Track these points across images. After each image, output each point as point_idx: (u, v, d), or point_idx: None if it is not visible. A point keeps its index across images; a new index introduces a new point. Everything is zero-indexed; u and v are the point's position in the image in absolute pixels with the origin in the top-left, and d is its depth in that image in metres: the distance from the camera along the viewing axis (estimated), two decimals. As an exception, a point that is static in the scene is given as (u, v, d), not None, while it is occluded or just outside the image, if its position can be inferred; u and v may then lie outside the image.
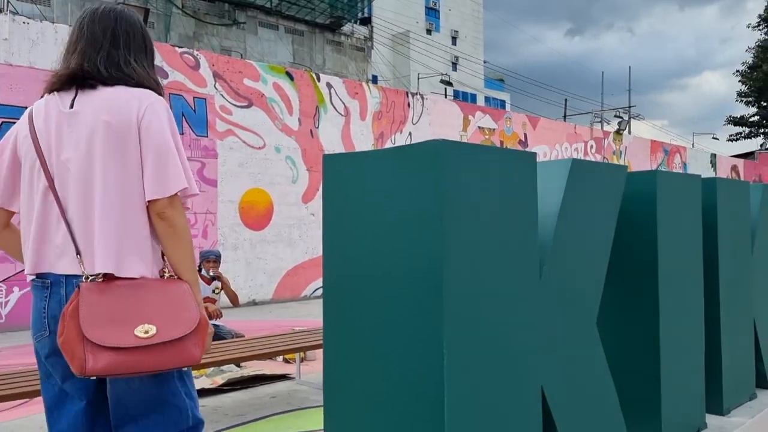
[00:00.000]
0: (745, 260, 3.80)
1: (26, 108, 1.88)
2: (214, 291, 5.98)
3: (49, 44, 8.35)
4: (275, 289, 10.41)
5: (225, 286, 6.03)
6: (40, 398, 1.92)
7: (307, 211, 10.87)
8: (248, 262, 9.91)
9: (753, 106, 37.51)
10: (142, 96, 1.78)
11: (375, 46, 38.14)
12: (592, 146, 17.87)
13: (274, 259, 10.32)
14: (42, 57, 8.28)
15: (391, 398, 2.08)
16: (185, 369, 1.80)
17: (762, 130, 37.47)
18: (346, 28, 30.78)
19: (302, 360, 5.53)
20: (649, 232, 2.95)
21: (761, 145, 36.21)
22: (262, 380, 5.12)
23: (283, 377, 5.23)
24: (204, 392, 4.81)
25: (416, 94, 13.46)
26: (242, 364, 5.52)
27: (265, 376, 5.18)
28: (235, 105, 10.20)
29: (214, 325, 5.85)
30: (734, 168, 24.24)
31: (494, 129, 14.68)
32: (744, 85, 36.86)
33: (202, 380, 5.03)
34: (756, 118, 37.53)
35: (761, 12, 37.19)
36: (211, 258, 5.99)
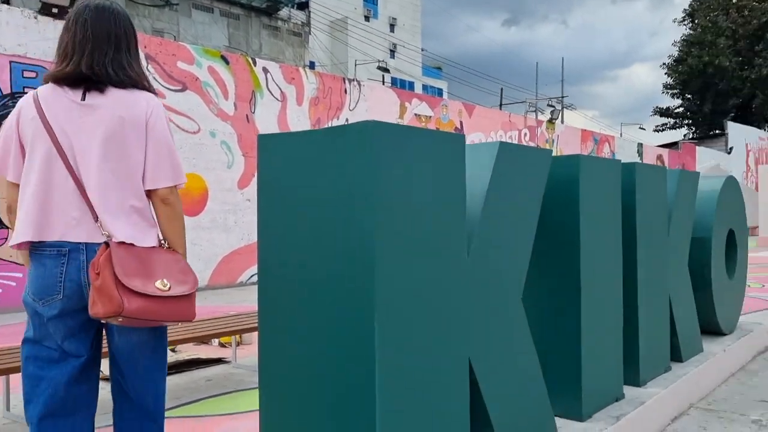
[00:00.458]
0: (662, 241, 4.02)
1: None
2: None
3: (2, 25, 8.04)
4: (211, 276, 10.28)
5: None
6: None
7: (243, 196, 10.77)
8: (183, 248, 9.78)
9: (678, 98, 39.07)
10: (149, 98, 2.07)
11: (313, 32, 37.79)
12: (525, 134, 18.30)
13: (209, 246, 10.19)
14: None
15: (325, 374, 2.14)
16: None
17: (686, 121, 39.08)
18: (284, 12, 30.42)
19: (238, 344, 5.53)
20: (572, 213, 3.10)
21: (684, 136, 37.78)
22: (198, 364, 5.11)
23: (218, 361, 5.22)
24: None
25: (353, 80, 13.47)
26: (177, 348, 5.49)
27: (200, 360, 5.17)
28: (169, 88, 9.99)
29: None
30: (659, 157, 25.21)
31: (431, 116, 14.85)
32: (670, 78, 38.32)
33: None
34: (681, 109, 39.11)
35: (686, 7, 38.71)
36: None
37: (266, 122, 11.31)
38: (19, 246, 1.98)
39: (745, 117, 35.21)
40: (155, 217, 2.09)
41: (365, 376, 2.01)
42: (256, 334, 5.46)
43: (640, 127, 31.86)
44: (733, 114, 35.68)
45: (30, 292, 1.97)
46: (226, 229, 10.40)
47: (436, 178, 2.24)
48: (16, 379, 4.19)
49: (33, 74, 8.44)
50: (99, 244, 1.94)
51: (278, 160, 2.27)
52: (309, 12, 34.77)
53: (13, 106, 8.11)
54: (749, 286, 7.85)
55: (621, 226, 3.50)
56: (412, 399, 2.13)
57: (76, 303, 1.96)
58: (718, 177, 5.29)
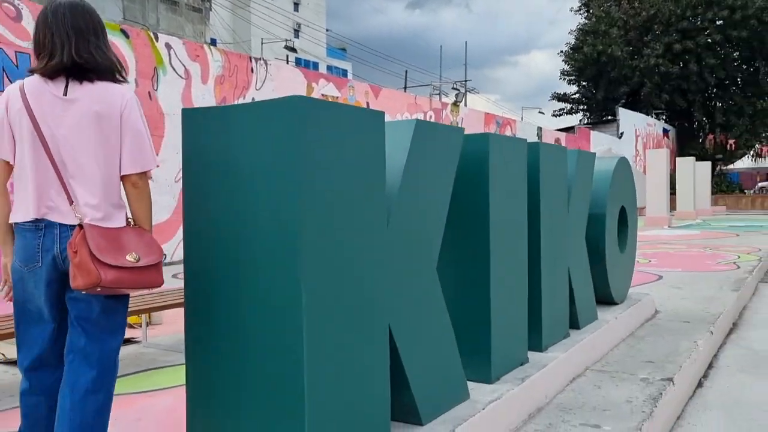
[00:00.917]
0: (562, 216, 4.29)
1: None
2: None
3: None
4: (113, 258, 10.00)
5: None
6: None
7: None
8: (83, 230, 9.41)
9: (574, 84, 40.77)
10: (125, 92, 2.30)
11: (213, 8, 36.75)
12: (431, 117, 18.65)
13: (111, 227, 9.88)
14: None
15: (254, 345, 2.20)
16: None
17: (581, 107, 40.90)
18: (184, -14, 29.39)
19: (148, 324, 5.44)
20: (482, 188, 3.27)
21: (580, 121, 39.58)
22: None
23: (128, 341, 5.12)
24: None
25: (260, 59, 13.30)
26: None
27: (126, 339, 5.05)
28: (66, 62, 9.55)
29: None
30: (557, 141, 26.35)
31: (337, 97, 14.89)
32: (567, 65, 39.89)
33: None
34: (577, 95, 40.85)
35: (582, -3, 40.37)
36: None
37: (170, 100, 11.01)
38: (15, 223, 2.26)
39: (635, 104, 37.25)
40: (126, 198, 2.34)
41: (293, 343, 2.09)
42: (165, 313, 5.41)
43: (539, 111, 33.28)
44: (623, 101, 37.66)
45: (17, 260, 2.25)
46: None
47: (359, 153, 2.33)
48: None
49: None
50: (72, 225, 2.20)
51: (203, 134, 2.29)
52: (211, -13, 33.74)
53: None
54: (638, 261, 8.45)
55: (526, 202, 3.72)
56: (338, 363, 2.22)
57: (51, 272, 2.23)
58: (611, 158, 5.67)
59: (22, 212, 2.23)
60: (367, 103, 15.92)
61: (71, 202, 2.20)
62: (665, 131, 37.36)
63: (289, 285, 2.09)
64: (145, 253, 2.24)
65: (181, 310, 3.87)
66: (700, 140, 39.31)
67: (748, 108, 36.44)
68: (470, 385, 3.14)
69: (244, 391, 2.22)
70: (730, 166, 38.66)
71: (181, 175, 2.59)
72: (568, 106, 41.23)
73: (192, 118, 2.33)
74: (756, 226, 18.92)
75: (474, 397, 3.06)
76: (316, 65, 45.74)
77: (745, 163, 38.74)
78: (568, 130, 30.93)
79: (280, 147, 2.10)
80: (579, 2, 41.22)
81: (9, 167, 2.27)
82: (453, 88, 26.12)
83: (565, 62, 39.93)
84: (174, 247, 10.22)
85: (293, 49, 27.29)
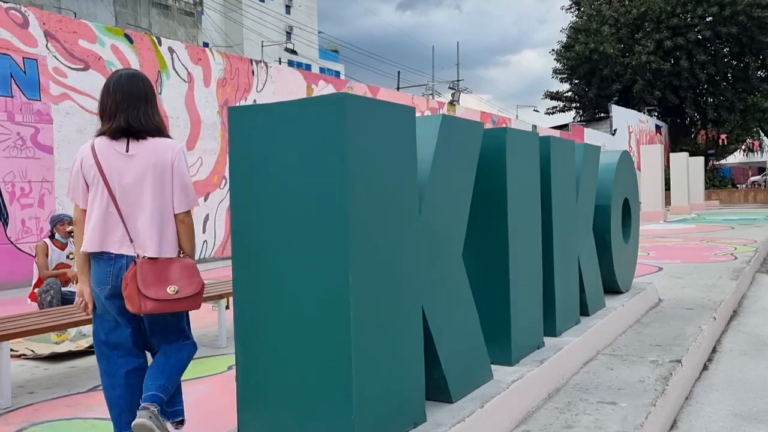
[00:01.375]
0: (572, 207, 4.46)
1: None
2: (68, 257, 5.82)
3: None
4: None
5: None
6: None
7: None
8: (91, 232, 9.54)
9: (566, 82, 41.04)
10: (173, 146, 2.80)
11: (205, 11, 36.80)
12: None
13: (118, 229, 10.02)
14: None
15: (303, 331, 2.35)
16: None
17: (574, 105, 41.18)
18: (176, -10, 29.47)
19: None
20: (500, 179, 3.44)
21: (574, 118, 39.85)
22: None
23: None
24: (71, 355, 4.77)
25: (260, 62, 13.44)
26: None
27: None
28: (71, 67, 9.65)
29: (71, 291, 5.72)
30: (551, 138, 26.58)
31: (337, 98, 15.06)
32: (559, 63, 40.16)
33: (66, 344, 4.96)
34: (569, 93, 41.12)
35: (572, -5, 40.63)
36: (66, 220, 5.79)
37: (173, 103, 11.14)
38: (86, 253, 2.76)
39: (627, 101, 37.55)
40: (176, 233, 2.81)
41: (341, 323, 2.24)
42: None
43: (534, 110, 33.58)
44: (616, 98, 37.95)
45: (93, 282, 2.76)
46: (136, 211, 10.24)
47: (393, 146, 2.49)
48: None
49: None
50: (132, 256, 2.70)
51: (249, 132, 2.44)
52: (202, -10, 33.81)
53: None
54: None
55: (540, 193, 3.89)
56: (380, 343, 2.38)
57: (119, 291, 2.70)
58: (614, 152, 5.85)
59: (93, 245, 2.72)
60: (365, 104, 16.08)
61: (131, 240, 2.70)
62: (658, 127, 37.68)
63: (338, 271, 2.24)
64: (186, 285, 2.72)
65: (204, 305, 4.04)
66: (693, 136, 39.64)
67: (739, 103, 36.79)
68: (492, 367, 3.30)
69: (293, 373, 2.37)
70: (722, 161, 39.00)
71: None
72: (561, 104, 41.50)
73: (238, 115, 2.48)
74: (750, 219, 19.17)
75: (497, 378, 3.22)
76: (309, 67, 45.80)
77: (737, 158, 39.09)
78: (562, 127, 31.17)
79: (325, 141, 2.26)
80: (570, 1, 41.50)
81: (85, 212, 2.77)
82: (449, 88, 26.30)
83: (557, 60, 40.20)
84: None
85: (294, 52, 27.39)
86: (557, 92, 41.56)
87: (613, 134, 31.47)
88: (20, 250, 8.90)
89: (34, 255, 7.78)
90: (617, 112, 32.62)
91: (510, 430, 3.01)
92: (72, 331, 5.10)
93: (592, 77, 38.18)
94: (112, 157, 2.70)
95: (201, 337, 4.87)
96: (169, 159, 2.75)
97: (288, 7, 53.83)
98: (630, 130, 33.13)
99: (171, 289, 2.66)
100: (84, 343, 4.97)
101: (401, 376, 2.50)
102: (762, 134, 37.22)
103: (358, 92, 15.96)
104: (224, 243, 11.89)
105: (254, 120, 2.44)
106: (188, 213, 2.81)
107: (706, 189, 29.45)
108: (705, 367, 4.67)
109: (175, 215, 2.78)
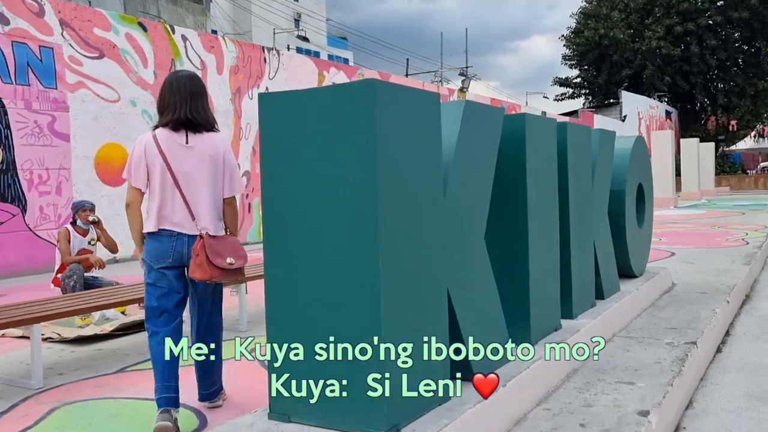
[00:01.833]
0: (588, 191, 4.52)
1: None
2: (89, 243, 5.92)
3: None
4: (136, 246, 10.26)
5: (104, 234, 5.98)
6: None
7: (167, 166, 10.70)
8: (107, 219, 9.59)
9: (576, 68, 40.88)
10: (224, 140, 3.27)
11: (214, -1, 36.73)
12: (437, 103, 18.88)
13: (133, 216, 10.13)
14: None
15: (333, 309, 2.43)
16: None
17: (583, 91, 41.02)
18: (185, -22, 29.43)
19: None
20: (519, 164, 3.50)
21: (583, 104, 39.71)
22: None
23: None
24: (96, 338, 4.88)
25: (272, 49, 13.48)
26: (126, 311, 5.59)
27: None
28: (86, 56, 9.73)
29: (93, 277, 5.83)
30: (560, 125, 26.54)
31: (348, 85, 15.10)
32: (568, 49, 40.00)
33: (90, 328, 5.07)
34: (578, 79, 40.97)
35: (583, -20, 40.33)
36: (87, 207, 5.88)
37: (187, 91, 11.22)
38: (148, 232, 3.10)
39: (637, 87, 37.39)
40: (222, 213, 3.22)
41: (372, 308, 2.32)
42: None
43: (544, 96, 33.44)
44: (626, 84, 37.79)
45: (149, 257, 3.11)
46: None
47: (420, 131, 2.56)
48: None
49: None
50: (193, 234, 3.09)
51: (280, 117, 2.51)
52: (210, -22, 33.74)
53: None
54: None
55: (557, 177, 3.95)
56: (408, 322, 2.46)
57: (177, 263, 3.13)
58: (629, 137, 5.89)
59: (155, 224, 3.07)
60: (376, 91, 16.12)
61: (193, 219, 3.07)
62: (668, 113, 37.52)
63: (368, 255, 2.31)
64: (237, 258, 3.14)
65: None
66: (703, 122, 39.48)
67: (749, 89, 36.58)
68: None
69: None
70: (732, 147, 38.83)
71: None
72: (570, 90, 41.35)
73: (269, 102, 2.55)
74: (760, 204, 19.14)
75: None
76: (317, 54, 45.72)
77: (747, 143, 38.90)
78: (572, 114, 31.09)
79: (355, 126, 2.32)
80: (580, -14, 41.19)
81: (142, 194, 3.11)
82: (460, 74, 26.30)
83: (567, 47, 40.03)
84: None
85: (306, 39, 27.39)
86: (566, 78, 41.41)
87: (623, 120, 31.37)
88: (39, 236, 9.03)
89: (54, 242, 7.90)
90: (627, 98, 32.50)
91: (531, 408, 3.09)
92: (96, 315, 5.22)
93: (602, 63, 38.03)
94: (173, 147, 3.05)
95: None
96: (221, 151, 3.16)
97: (296, -6, 53.62)
98: (640, 116, 33.02)
99: (229, 261, 3.05)
100: (108, 327, 5.08)
101: (430, 354, 2.58)
102: (773, 120, 37.01)
103: (369, 79, 15.99)
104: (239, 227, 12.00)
105: (285, 107, 2.50)
106: (234, 198, 3.23)
107: (716, 175, 29.37)
108: (719, 350, 4.73)
109: (224, 199, 3.19)
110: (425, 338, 2.56)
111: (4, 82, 8.71)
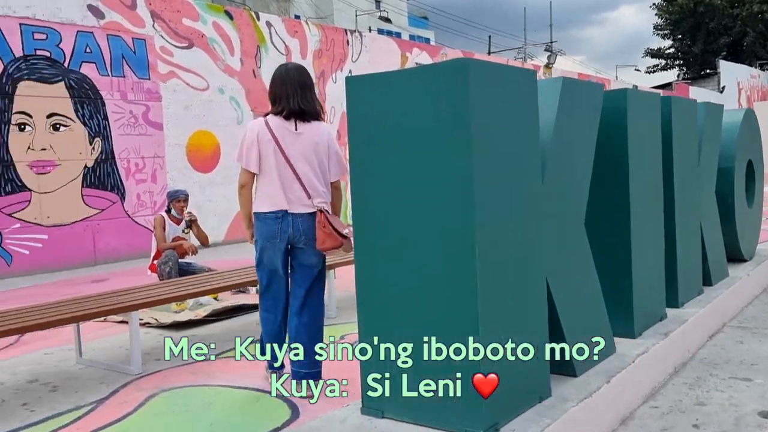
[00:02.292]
0: (693, 170, 4.21)
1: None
2: (183, 231, 6.06)
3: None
4: (227, 231, 10.44)
5: (199, 230, 6.10)
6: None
7: (254, 152, 10.85)
8: (199, 205, 9.86)
9: (669, 38, 38.89)
10: (328, 129, 3.43)
11: (296, -17, 37.03)
12: (523, 80, 18.35)
13: (223, 201, 10.31)
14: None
15: (427, 298, 2.33)
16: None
17: (677, 62, 39.01)
18: (268, -36, 29.79)
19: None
20: (621, 144, 3.27)
21: (678, 76, 37.77)
22: (243, 310, 5.32)
23: (262, 307, 5.43)
24: (191, 324, 4.99)
25: (355, 31, 13.43)
26: (219, 297, 5.69)
27: (246, 306, 5.38)
28: (176, 46, 9.96)
29: (187, 263, 5.97)
30: (654, 98, 25.32)
31: (431, 65, 14.87)
32: (660, 18, 38.07)
33: (185, 313, 5.19)
34: (672, 50, 38.97)
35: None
36: (181, 197, 6.02)
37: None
38: (260, 213, 3.28)
39: (737, 55, 35.20)
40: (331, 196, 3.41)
41: (468, 298, 2.20)
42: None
43: (635, 69, 31.94)
44: (724, 53, 35.65)
45: (259, 236, 3.31)
46: (240, 184, 10.52)
47: (516, 110, 2.40)
48: (87, 327, 4.40)
49: (43, 36, 8.42)
50: (304, 213, 3.25)
51: (368, 101, 2.41)
52: (293, -37, 34.01)
53: (27, 69, 8.03)
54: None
55: (661, 156, 3.68)
56: (505, 314, 2.33)
57: (284, 242, 3.28)
58: (737, 110, 5.46)
59: (267, 206, 3.24)
60: (460, 70, 15.81)
61: (309, 197, 3.24)
62: (772, 82, 35.15)
63: (463, 242, 2.19)
64: (344, 229, 3.27)
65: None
66: (811, 90, 36.75)
67: None
68: (615, 340, 3.18)
69: (417, 345, 2.35)
70: None
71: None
72: (663, 62, 39.42)
73: (356, 85, 2.45)
74: None
75: (621, 351, 3.10)
76: (398, 35, 45.49)
77: None
78: (665, 86, 29.61)
79: (448, 107, 2.19)
80: (673, -50, 39.06)
81: (254, 176, 3.28)
82: (545, 50, 25.51)
83: (658, 15, 38.11)
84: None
85: (388, 20, 27.30)
86: (659, 50, 39.48)
87: (721, 92, 29.62)
88: (137, 223, 9.38)
89: (150, 228, 8.18)
90: (726, 67, 30.64)
91: (637, 406, 2.90)
92: (190, 301, 5.33)
93: (697, 32, 35.97)
94: (284, 132, 3.24)
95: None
96: (326, 139, 3.36)
97: (377, -24, 53.47)
98: (740, 86, 31.09)
99: (346, 231, 3.23)
100: (202, 312, 5.18)
101: (529, 348, 2.44)
102: None
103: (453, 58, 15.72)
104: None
105: (374, 90, 2.40)
106: (340, 181, 3.42)
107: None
108: (843, 341, 4.34)
109: (331, 183, 3.39)
110: (524, 332, 2.42)
111: (101, 75, 9.03)
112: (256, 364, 3.73)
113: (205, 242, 6.19)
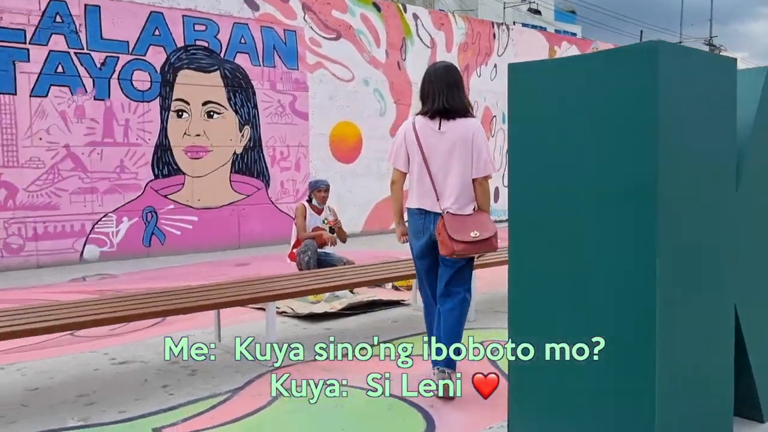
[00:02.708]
0: None
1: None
2: (323, 221, 6.05)
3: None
4: (365, 222, 10.47)
5: (339, 230, 6.08)
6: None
7: (395, 144, 10.81)
8: (339, 195, 9.97)
9: None
10: (475, 124, 3.37)
11: (441, -23, 36.88)
12: (682, 77, 17.07)
13: (363, 192, 10.35)
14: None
15: (593, 317, 2.04)
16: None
17: None
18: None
19: (409, 288, 5.59)
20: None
21: None
22: (378, 306, 5.21)
23: (398, 303, 5.29)
24: (326, 316, 4.94)
25: (502, 24, 13.03)
26: (355, 290, 5.62)
27: (381, 301, 5.26)
28: (324, 37, 10.09)
29: (326, 253, 5.95)
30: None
31: (581, 60, 14.15)
32: None
33: (321, 305, 5.15)
34: None
35: None
36: (322, 188, 6.02)
37: (417, 69, 11.20)
38: (408, 208, 3.46)
39: None
40: (474, 193, 3.37)
41: (645, 321, 1.89)
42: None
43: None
44: None
45: (410, 232, 3.49)
46: (380, 176, 10.50)
47: (711, 105, 2.04)
48: (226, 313, 4.46)
49: (203, 27, 8.79)
50: (436, 212, 3.32)
51: (533, 90, 2.15)
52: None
53: (186, 59, 8.41)
54: None
55: None
56: (687, 343, 1.98)
57: (428, 237, 3.38)
58: None
59: (413, 202, 3.41)
60: (613, 65, 14.94)
61: (437, 200, 3.32)
62: None
63: (642, 254, 1.89)
64: (482, 230, 3.26)
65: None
66: None
67: None
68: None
69: (573, 369, 2.07)
70: None
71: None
72: None
73: (520, 73, 2.20)
74: None
75: (816, 393, 2.62)
76: (543, 29, 44.18)
77: None
78: None
79: (630, 97, 1.89)
80: None
81: (405, 175, 3.46)
82: (706, 44, 23.65)
83: None
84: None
85: (537, 12, 26.55)
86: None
87: None
88: (279, 209, 9.61)
89: (291, 216, 8.33)
90: None
91: (838, 461, 2.42)
92: (327, 293, 5.29)
93: None
94: (427, 133, 3.34)
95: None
96: (470, 136, 3.32)
97: (524, -32, 52.21)
98: None
99: (473, 234, 3.22)
100: (338, 305, 5.12)
101: (708, 383, 2.08)
102: None
103: (605, 52, 14.87)
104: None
105: (539, 78, 2.14)
106: (485, 178, 3.37)
107: None
108: None
109: (474, 180, 3.33)
110: (708, 365, 2.06)
111: (253, 65, 9.31)
112: (389, 365, 3.57)
113: (344, 239, 6.18)
